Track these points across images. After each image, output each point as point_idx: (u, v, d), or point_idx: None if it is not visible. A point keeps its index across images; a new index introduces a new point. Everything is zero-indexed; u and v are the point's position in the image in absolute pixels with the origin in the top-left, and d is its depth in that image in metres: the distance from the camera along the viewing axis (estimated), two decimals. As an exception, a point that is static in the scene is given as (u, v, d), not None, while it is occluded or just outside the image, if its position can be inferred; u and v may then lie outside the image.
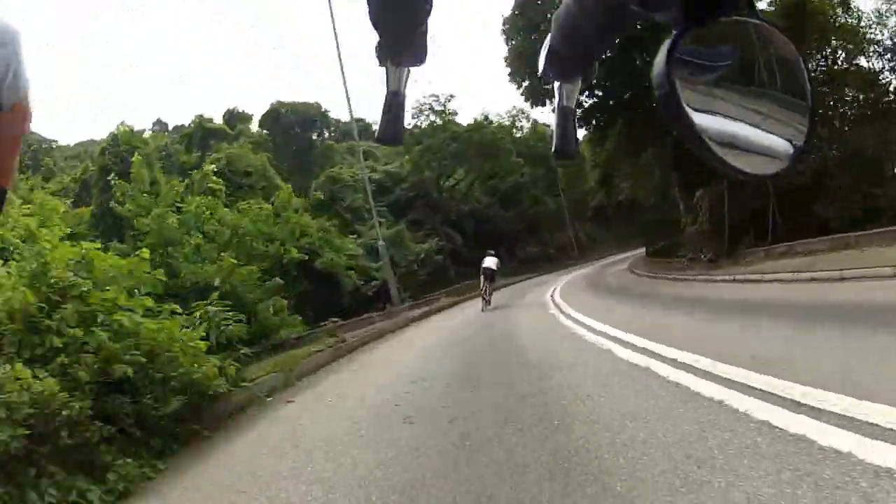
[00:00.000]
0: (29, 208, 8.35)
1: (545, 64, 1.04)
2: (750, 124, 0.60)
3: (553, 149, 1.14)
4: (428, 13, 0.93)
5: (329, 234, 21.52)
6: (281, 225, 11.50)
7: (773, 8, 13.91)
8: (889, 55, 14.72)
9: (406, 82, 1.11)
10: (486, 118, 35.94)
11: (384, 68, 1.08)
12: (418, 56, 1.06)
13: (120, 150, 26.28)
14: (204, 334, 5.73)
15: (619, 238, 48.95)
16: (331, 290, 21.27)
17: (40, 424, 3.51)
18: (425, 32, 1.01)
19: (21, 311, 4.32)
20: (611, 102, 18.60)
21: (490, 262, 14.27)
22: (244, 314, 8.62)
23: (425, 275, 29.14)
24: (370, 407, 4.65)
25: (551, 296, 15.14)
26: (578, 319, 8.08)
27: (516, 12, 20.53)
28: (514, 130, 42.69)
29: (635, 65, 15.55)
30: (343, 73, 24.23)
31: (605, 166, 22.32)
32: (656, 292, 12.14)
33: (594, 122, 19.73)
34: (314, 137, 52.16)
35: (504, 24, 21.17)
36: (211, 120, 46.17)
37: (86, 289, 4.72)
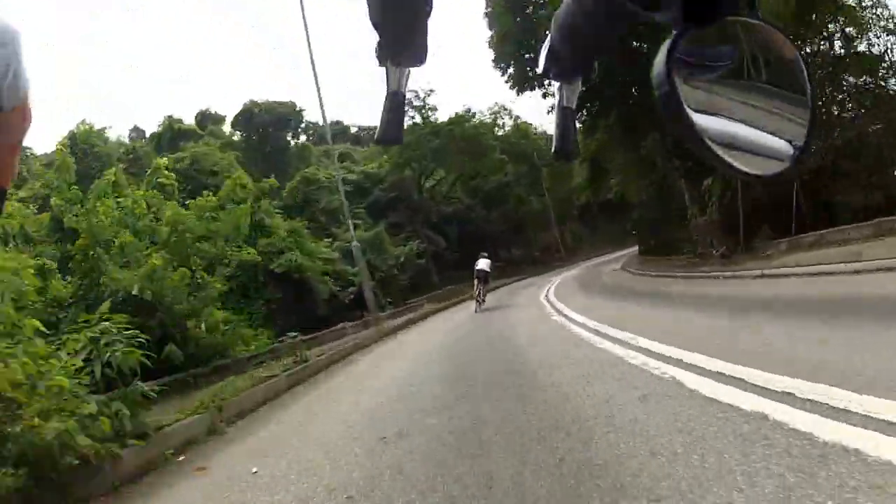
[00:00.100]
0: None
1: (545, 64, 1.03)
2: (750, 124, 0.60)
3: (553, 149, 1.15)
4: (428, 13, 0.94)
5: (300, 236, 19.63)
6: (225, 218, 9.60)
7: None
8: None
9: (406, 82, 1.11)
10: (469, 111, 34.26)
11: (384, 68, 1.08)
12: (418, 56, 1.06)
13: (79, 149, 24.45)
14: (80, 364, 3.95)
15: (606, 238, 47.92)
16: (304, 298, 19.38)
17: None
18: (425, 32, 1.00)
19: None
20: (604, 89, 17.12)
21: (483, 263, 14.67)
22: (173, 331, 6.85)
23: (407, 279, 27.35)
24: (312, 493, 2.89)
25: (547, 297, 13.59)
26: (599, 330, 6.46)
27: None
28: (496, 128, 41.15)
29: (632, 46, 14.13)
30: (315, 73, 22.34)
31: (596, 156, 20.80)
32: (676, 293, 10.61)
33: (585, 109, 18.26)
34: (289, 138, 50.15)
35: (487, 5, 19.64)
36: (181, 120, 44.32)
37: None
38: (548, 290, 16.83)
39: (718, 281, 10.64)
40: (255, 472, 3.30)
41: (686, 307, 8.01)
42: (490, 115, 39.30)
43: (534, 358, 5.46)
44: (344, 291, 22.06)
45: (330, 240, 26.26)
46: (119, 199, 10.10)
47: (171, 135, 39.99)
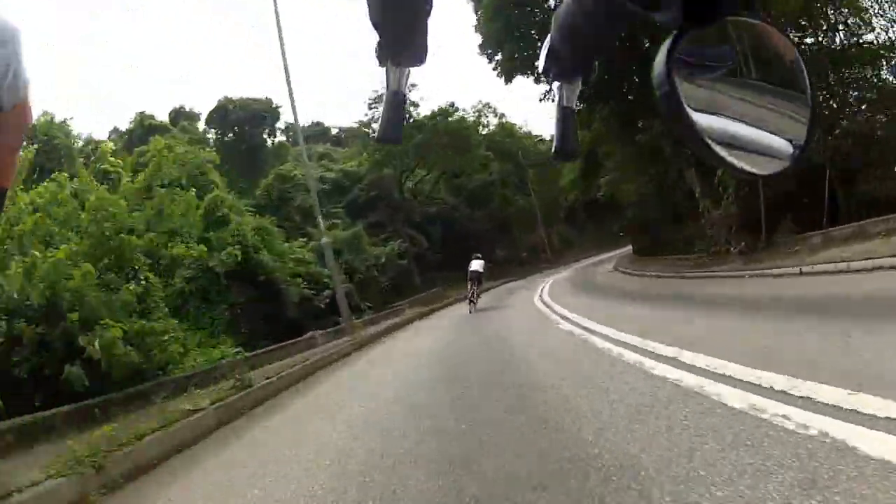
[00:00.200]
0: None
1: (545, 64, 1.03)
2: (750, 124, 0.60)
3: (553, 149, 1.14)
4: (428, 13, 0.93)
5: (269, 234, 17.83)
6: (168, 207, 7.82)
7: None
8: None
9: (406, 82, 1.10)
10: (452, 104, 32.59)
11: (384, 68, 1.07)
12: (418, 56, 1.05)
13: (39, 140, 22.51)
14: None
15: (593, 240, 46.79)
16: (272, 302, 17.54)
17: None
18: (425, 32, 0.99)
19: None
20: (601, 77, 15.71)
21: (477, 264, 14.79)
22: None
23: (387, 281, 25.62)
24: None
25: (542, 298, 12.13)
26: (637, 346, 4.97)
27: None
28: (481, 127, 39.63)
29: (635, 28, 12.76)
30: (287, 72, 19.76)
31: (592, 149, 19.37)
32: (706, 295, 9.19)
33: (580, 99, 16.81)
34: (265, 136, 48.10)
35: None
36: (153, 116, 42.48)
37: None
38: (541, 291, 15.48)
39: (746, 280, 9.23)
40: None
41: (734, 313, 6.55)
42: (474, 112, 37.77)
43: (574, 406, 3.91)
44: (318, 295, 20.23)
45: (305, 240, 24.44)
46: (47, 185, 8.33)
47: (142, 131, 37.93)
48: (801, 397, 2.52)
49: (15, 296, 5.24)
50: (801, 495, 1.64)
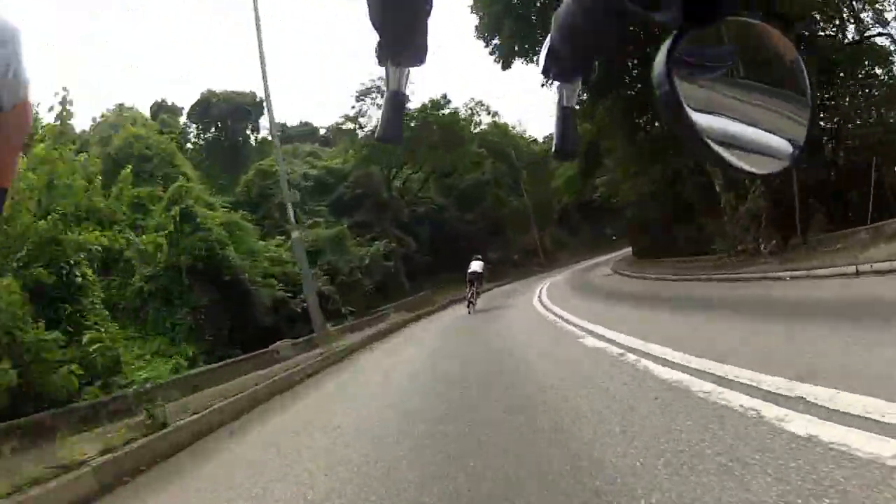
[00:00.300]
0: None
1: (545, 64, 1.02)
2: (750, 124, 0.60)
3: (553, 148, 1.14)
4: (428, 13, 0.93)
5: (240, 229, 16.19)
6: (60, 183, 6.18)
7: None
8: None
9: (406, 82, 1.10)
10: (445, 96, 31.02)
11: (384, 68, 1.07)
12: (418, 56, 1.04)
13: None
14: None
15: (586, 243, 45.52)
16: (241, 306, 15.90)
17: None
18: (425, 32, 0.99)
19: None
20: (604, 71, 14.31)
21: (476, 266, 14.74)
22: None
23: (372, 284, 23.98)
24: None
25: (540, 300, 10.70)
26: (699, 368, 3.51)
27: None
28: (473, 125, 38.13)
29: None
30: (264, 69, 17.68)
31: (593, 141, 18.01)
32: (748, 300, 7.77)
33: (582, 90, 15.46)
34: (249, 132, 46.39)
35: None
36: (131, 109, 40.57)
37: None
38: (540, 293, 14.08)
39: (787, 283, 7.81)
40: None
41: (809, 323, 5.09)
42: (466, 110, 36.25)
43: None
44: (295, 298, 18.58)
45: (283, 238, 22.80)
46: None
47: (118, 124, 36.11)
48: None
49: None
50: None
